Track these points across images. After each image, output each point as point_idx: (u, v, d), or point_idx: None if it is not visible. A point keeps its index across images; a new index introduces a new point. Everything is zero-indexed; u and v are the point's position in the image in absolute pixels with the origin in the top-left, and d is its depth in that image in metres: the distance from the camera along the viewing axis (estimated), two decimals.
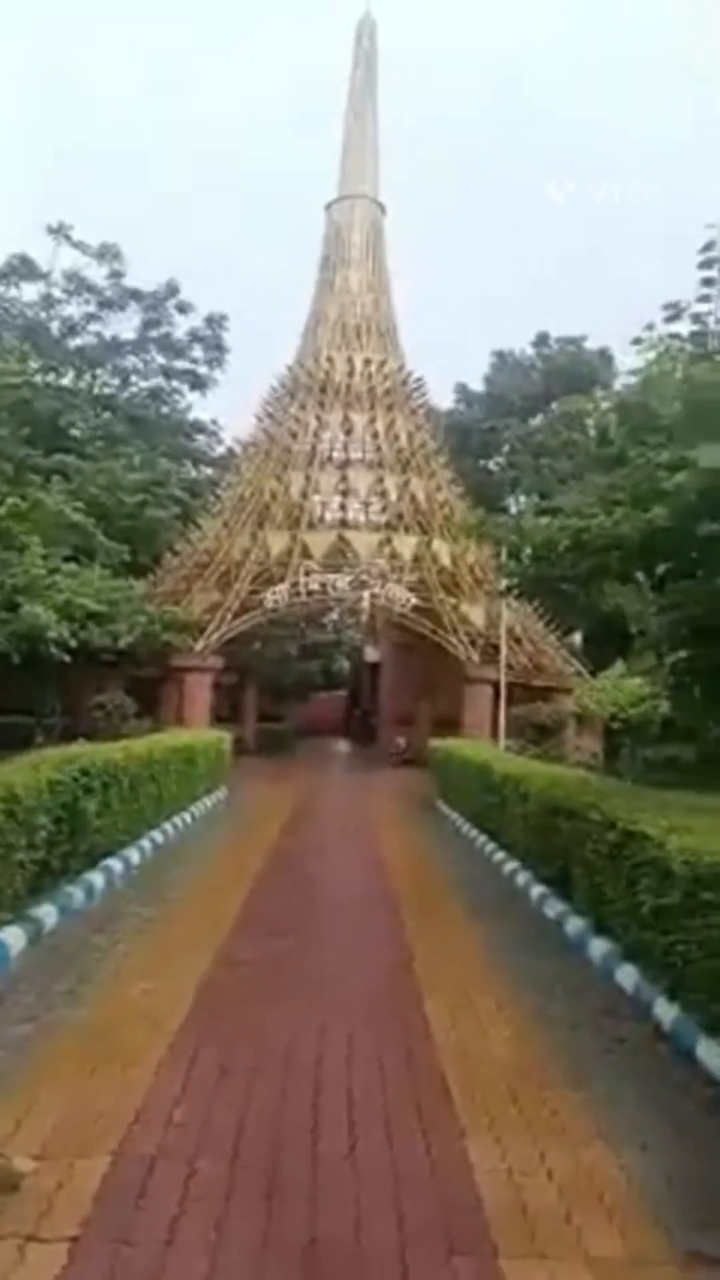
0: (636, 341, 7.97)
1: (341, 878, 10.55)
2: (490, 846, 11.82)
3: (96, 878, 8.41)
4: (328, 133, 32.10)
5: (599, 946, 6.89)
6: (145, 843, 10.56)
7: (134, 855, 9.83)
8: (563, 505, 8.41)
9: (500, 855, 11.11)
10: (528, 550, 8.60)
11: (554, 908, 8.28)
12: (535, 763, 12.81)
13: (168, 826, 11.90)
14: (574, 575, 8.14)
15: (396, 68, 48.78)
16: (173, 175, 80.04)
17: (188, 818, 13.31)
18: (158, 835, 11.24)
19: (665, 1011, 5.48)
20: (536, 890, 8.99)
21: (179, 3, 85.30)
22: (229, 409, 46.27)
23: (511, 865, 10.40)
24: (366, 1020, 5.38)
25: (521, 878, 9.71)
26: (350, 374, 28.34)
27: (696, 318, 7.63)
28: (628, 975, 6.21)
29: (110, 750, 9.46)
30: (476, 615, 25.61)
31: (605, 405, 8.52)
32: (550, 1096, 4.43)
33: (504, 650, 21.20)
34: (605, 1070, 4.84)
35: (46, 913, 6.99)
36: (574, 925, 7.58)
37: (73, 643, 19.21)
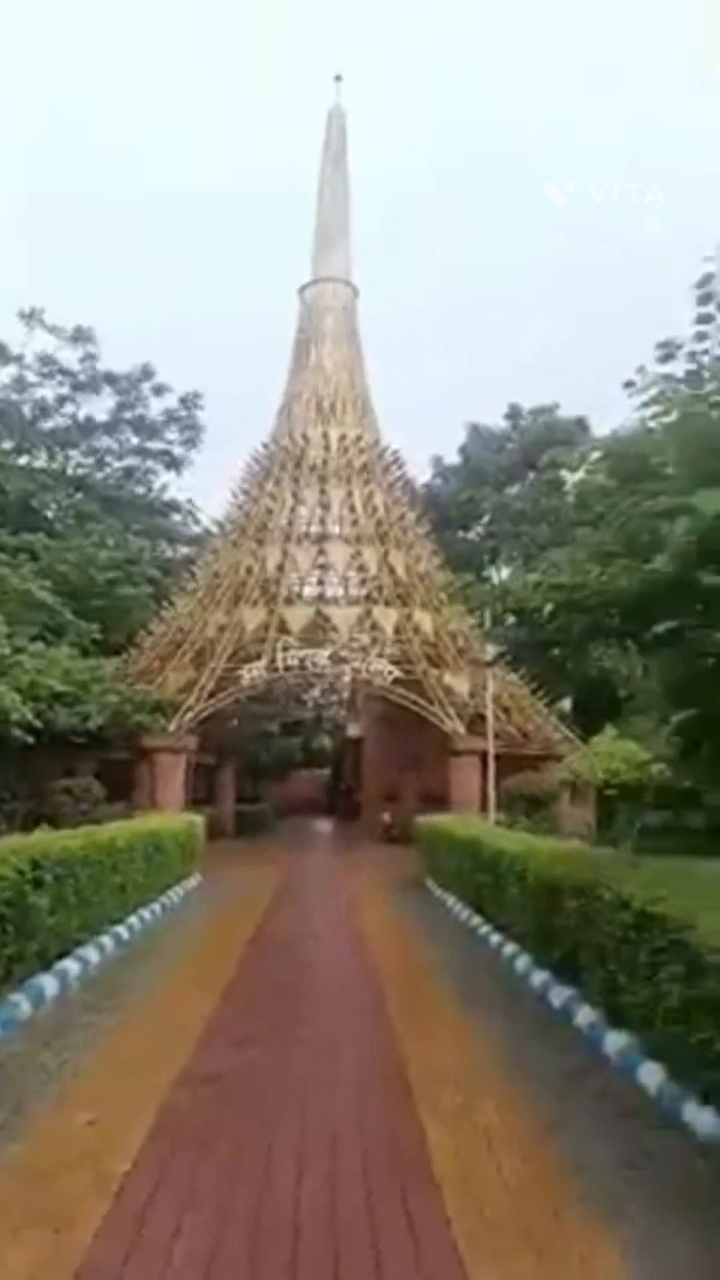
0: (629, 385, 7.52)
1: (324, 971, 9.60)
2: (485, 928, 10.92)
3: (48, 982, 7.49)
4: (300, 214, 32.73)
5: (615, 1041, 6.07)
6: (107, 939, 9.61)
7: (93, 954, 8.88)
8: (553, 561, 7.83)
9: (497, 938, 10.22)
10: (511, 616, 8.04)
11: (560, 995, 7.44)
12: (530, 837, 11.99)
13: (134, 920, 10.94)
14: (564, 638, 7.54)
15: (367, 145, 50.39)
16: (143, 255, 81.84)
17: (157, 909, 12.33)
18: (122, 930, 10.28)
19: (700, 1118, 4.67)
20: (539, 977, 8.13)
21: (151, 87, 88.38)
22: (205, 488, 46.22)
23: (510, 949, 9.52)
24: (353, 1153, 4.52)
25: (521, 963, 8.84)
26: (326, 449, 28.25)
27: (692, 356, 7.21)
28: (651, 1074, 5.39)
29: (66, 839, 8.61)
30: (461, 685, 24.97)
31: (595, 455, 8.01)
32: (575, 1233, 3.62)
33: (490, 719, 20.48)
34: (635, 1195, 4.02)
35: None
36: (585, 1016, 6.75)
37: (37, 724, 18.36)
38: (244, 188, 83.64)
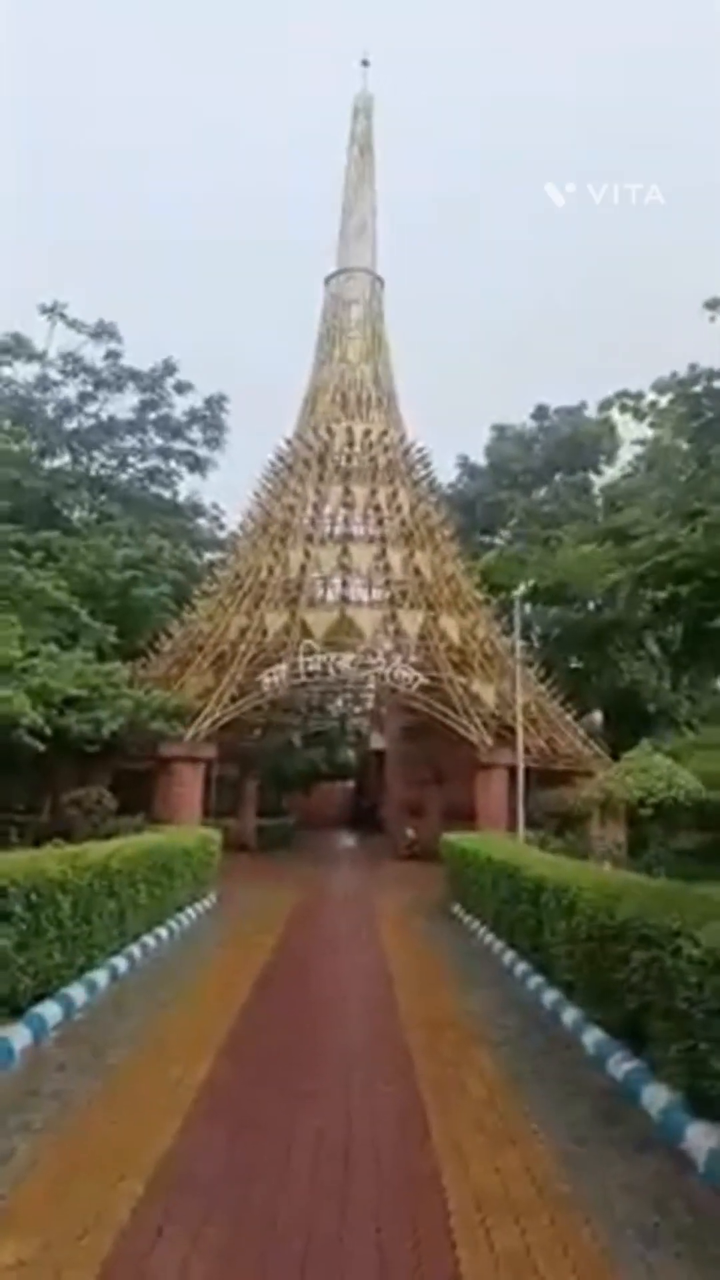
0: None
1: (341, 1026, 8.41)
2: (522, 967, 9.73)
3: (17, 1034, 6.42)
4: (325, 207, 31.92)
5: (700, 1135, 4.90)
6: (100, 975, 8.54)
7: (80, 994, 7.80)
8: (613, 527, 6.71)
9: (536, 980, 9.03)
10: (548, 600, 6.93)
11: (621, 1065, 6.26)
12: (571, 862, 10.78)
13: (135, 949, 9.87)
14: (627, 617, 6.42)
15: (394, 133, 49.30)
16: (168, 252, 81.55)
17: (164, 934, 11.26)
18: (120, 962, 9.20)
19: None
20: (593, 1037, 6.95)
21: (172, 81, 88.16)
22: (228, 492, 45.40)
23: (552, 995, 8.34)
24: None
25: (569, 1016, 7.65)
26: (350, 445, 27.22)
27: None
28: None
29: (42, 860, 7.53)
30: (488, 695, 23.79)
31: (664, 400, 6.91)
32: None
33: (520, 731, 19.27)
34: None
35: None
36: (656, 1098, 5.57)
37: (48, 730, 17.42)
38: (266, 178, 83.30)
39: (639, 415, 7.55)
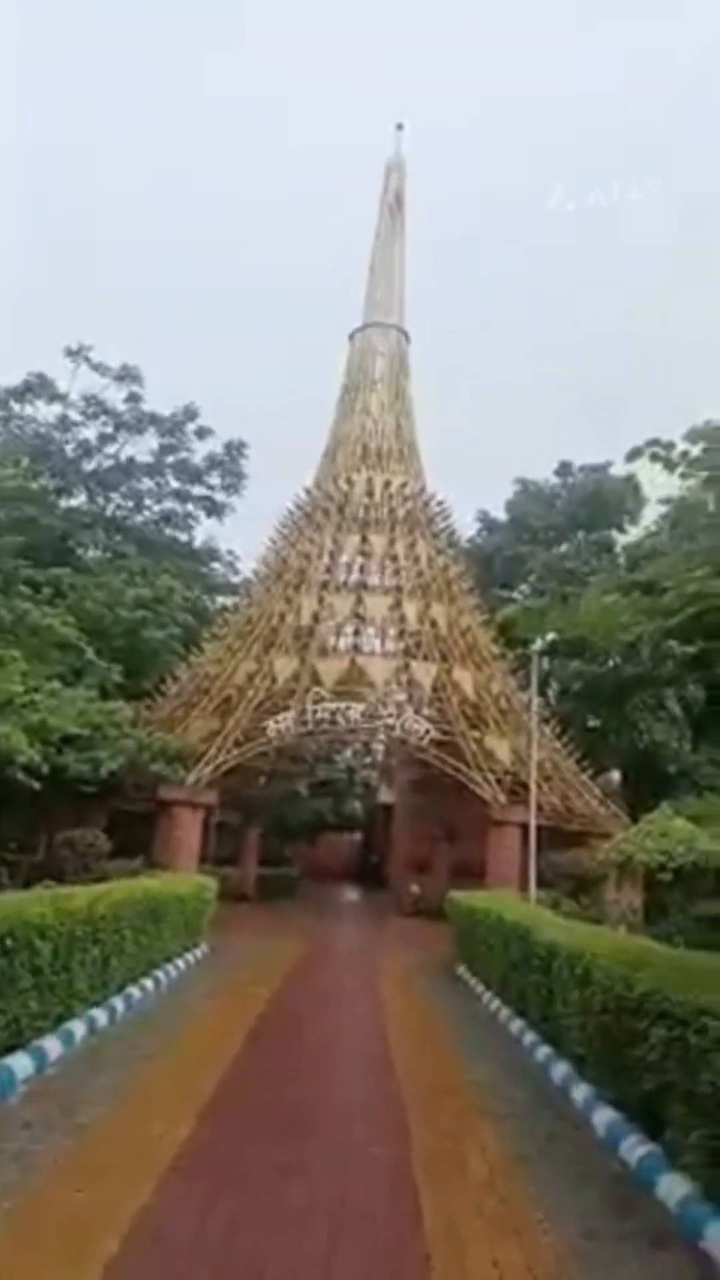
0: (635, 455, 6.17)
1: (335, 1083, 7.85)
2: (530, 1036, 9.13)
3: None
4: (350, 258, 32.42)
5: None
6: (79, 1025, 8.01)
7: (54, 1047, 7.28)
8: (643, 580, 6.39)
9: (545, 1051, 8.44)
10: (567, 654, 6.58)
11: (635, 1150, 5.69)
12: (586, 927, 10.20)
13: (117, 1001, 9.33)
14: (655, 671, 6.04)
15: (419, 188, 50.32)
16: (189, 302, 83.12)
17: (150, 985, 10.70)
18: (100, 1014, 8.66)
19: None
20: (604, 1117, 6.38)
21: (199, 135, 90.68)
22: (244, 539, 45.47)
23: (562, 1069, 7.74)
24: None
25: (580, 1092, 7.07)
26: (370, 495, 27.13)
27: None
28: None
29: (22, 903, 7.08)
30: (502, 750, 23.24)
31: (696, 450, 6.61)
32: None
33: (534, 788, 18.70)
34: None
35: None
36: (671, 1187, 5.02)
37: (44, 768, 17.00)
38: (291, 234, 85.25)
39: (670, 466, 7.34)
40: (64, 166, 79.43)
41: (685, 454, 6.38)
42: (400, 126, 32.72)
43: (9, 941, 6.39)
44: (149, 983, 10.71)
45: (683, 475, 6.36)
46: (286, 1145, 5.81)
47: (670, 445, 5.89)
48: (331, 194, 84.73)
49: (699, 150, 79.43)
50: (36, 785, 17.04)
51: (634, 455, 5.76)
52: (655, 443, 5.85)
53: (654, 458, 5.95)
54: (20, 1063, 6.59)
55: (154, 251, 73.27)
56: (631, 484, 33.24)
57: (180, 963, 12.57)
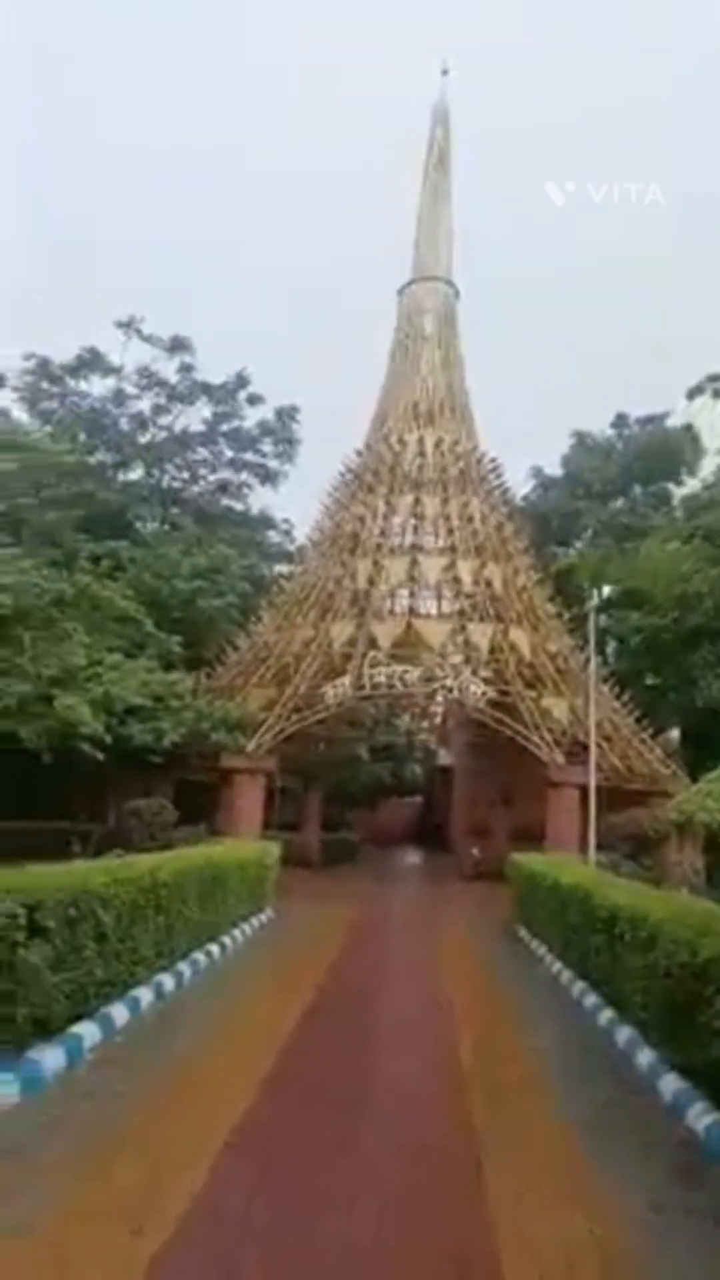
0: (696, 393, 5.78)
1: (395, 1048, 7.85)
2: (591, 999, 9.06)
3: (51, 1057, 6.05)
4: (397, 216, 31.73)
5: None
6: (145, 992, 8.18)
7: (121, 1014, 7.43)
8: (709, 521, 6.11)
9: (608, 1015, 8.36)
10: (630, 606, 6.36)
11: (702, 1119, 5.61)
12: (649, 889, 10.04)
13: (184, 967, 9.49)
14: (716, 626, 5.81)
15: (468, 138, 48.95)
16: (239, 265, 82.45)
17: (215, 951, 10.88)
18: (167, 980, 8.83)
19: None
20: (669, 1082, 6.30)
21: (243, 91, 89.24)
22: (298, 506, 45.34)
23: (626, 1033, 7.66)
24: None
25: (644, 1058, 6.99)
26: (422, 455, 26.76)
27: None
28: None
29: (86, 872, 7.21)
30: (560, 710, 22.97)
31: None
32: None
33: (593, 748, 18.44)
34: None
35: None
36: None
37: (108, 739, 17.32)
38: (336, 188, 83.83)
39: None
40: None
41: None
42: (445, 72, 31.74)
43: (72, 911, 6.51)
44: (215, 948, 10.88)
45: None
46: (346, 1113, 5.85)
47: None
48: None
49: None
50: (101, 756, 17.37)
51: (695, 393, 5.33)
52: (717, 378, 5.42)
53: (717, 394, 5.50)
54: (86, 1034, 6.73)
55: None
56: (690, 434, 32.27)
57: (246, 927, 12.77)
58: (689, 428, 32.08)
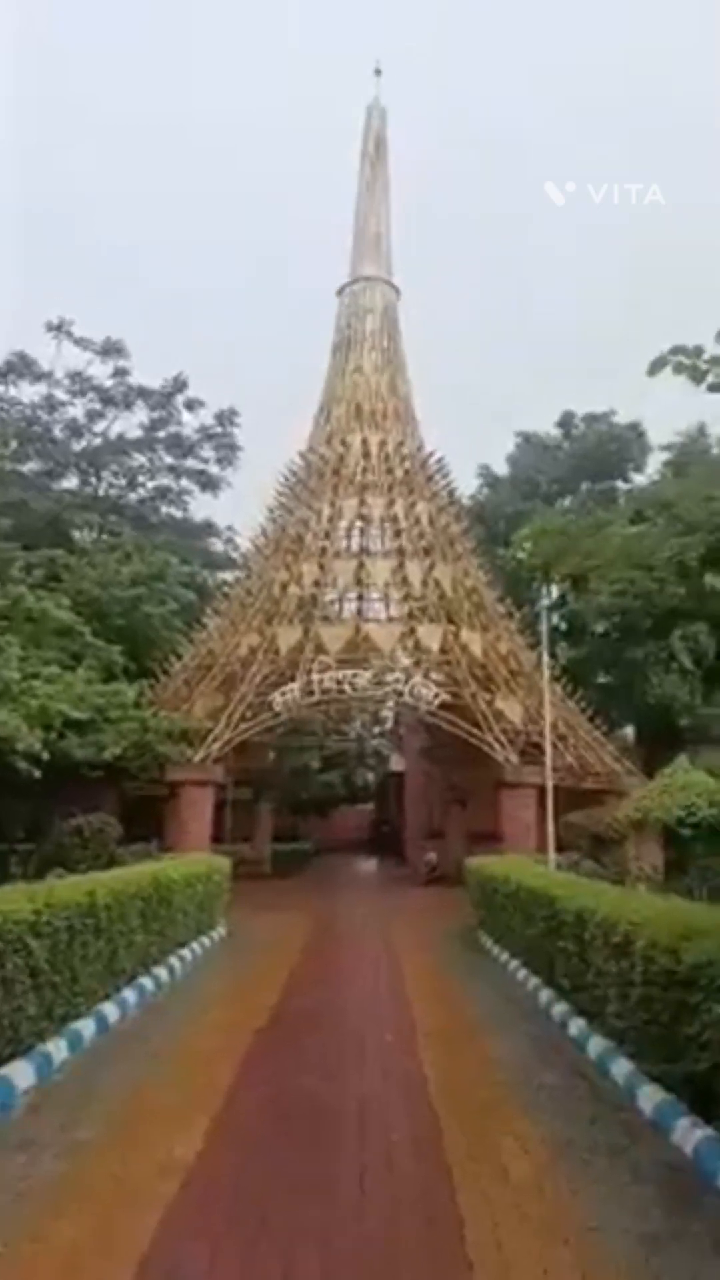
0: (658, 366, 5.54)
1: (357, 1068, 7.38)
2: (560, 1008, 8.66)
3: None
4: (336, 217, 31.36)
5: None
6: (87, 1024, 7.57)
7: (58, 1050, 6.82)
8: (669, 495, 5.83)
9: (578, 1024, 7.97)
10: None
11: (690, 1136, 5.22)
12: (617, 890, 9.68)
13: (129, 994, 8.89)
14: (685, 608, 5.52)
15: (404, 140, 48.83)
16: (171, 267, 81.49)
17: (163, 973, 10.28)
18: (110, 1009, 8.23)
19: None
20: (649, 1096, 5.90)
21: (182, 91, 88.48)
22: (244, 516, 44.67)
23: (599, 1044, 7.27)
24: None
25: (619, 1069, 6.60)
26: (366, 456, 26.33)
27: None
28: None
29: (12, 900, 6.57)
30: (514, 711, 22.71)
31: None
32: None
33: (549, 748, 18.16)
34: None
35: None
36: None
37: (45, 755, 16.53)
38: (270, 189, 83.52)
39: (698, 375, 6.62)
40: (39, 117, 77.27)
41: (717, 359, 5.51)
42: (379, 72, 31.53)
43: None
44: (163, 971, 10.28)
45: (711, 387, 5.57)
46: (310, 1139, 5.35)
47: (698, 350, 5.14)
48: (313, 175, 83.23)
49: (690, 80, 77.13)
50: (36, 773, 16.57)
51: (657, 366, 5.04)
52: (680, 350, 5.14)
53: (679, 368, 5.23)
54: (19, 1074, 6.11)
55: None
56: (636, 431, 32.38)
57: (196, 946, 12.16)
58: (635, 425, 32.19)
